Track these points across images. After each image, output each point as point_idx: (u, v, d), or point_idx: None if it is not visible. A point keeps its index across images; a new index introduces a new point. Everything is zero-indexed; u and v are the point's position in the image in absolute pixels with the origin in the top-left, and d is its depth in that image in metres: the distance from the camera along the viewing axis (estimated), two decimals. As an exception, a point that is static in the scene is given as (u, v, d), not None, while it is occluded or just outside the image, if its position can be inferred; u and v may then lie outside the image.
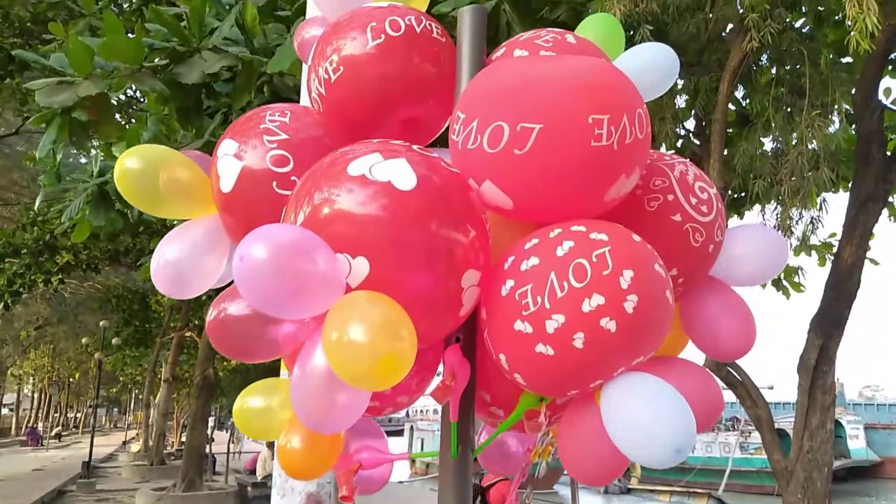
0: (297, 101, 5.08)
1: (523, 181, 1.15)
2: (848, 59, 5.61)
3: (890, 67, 6.38)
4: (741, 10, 4.20)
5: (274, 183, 1.33)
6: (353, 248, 1.07)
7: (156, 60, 4.35)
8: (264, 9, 4.61)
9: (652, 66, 1.60)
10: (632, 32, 4.27)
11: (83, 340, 24.31)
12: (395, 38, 1.46)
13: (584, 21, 1.76)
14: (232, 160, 1.35)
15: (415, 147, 1.19)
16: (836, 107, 4.52)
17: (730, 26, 5.09)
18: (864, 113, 5.16)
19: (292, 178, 1.33)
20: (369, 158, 1.11)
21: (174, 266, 1.43)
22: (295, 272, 0.99)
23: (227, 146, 1.38)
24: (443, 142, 1.89)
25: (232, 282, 1.44)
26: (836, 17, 5.30)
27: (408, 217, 1.07)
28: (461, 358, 1.25)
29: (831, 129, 4.81)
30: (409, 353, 1.00)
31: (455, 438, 1.27)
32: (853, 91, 5.17)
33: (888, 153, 5.46)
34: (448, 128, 1.74)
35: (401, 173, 1.09)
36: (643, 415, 1.09)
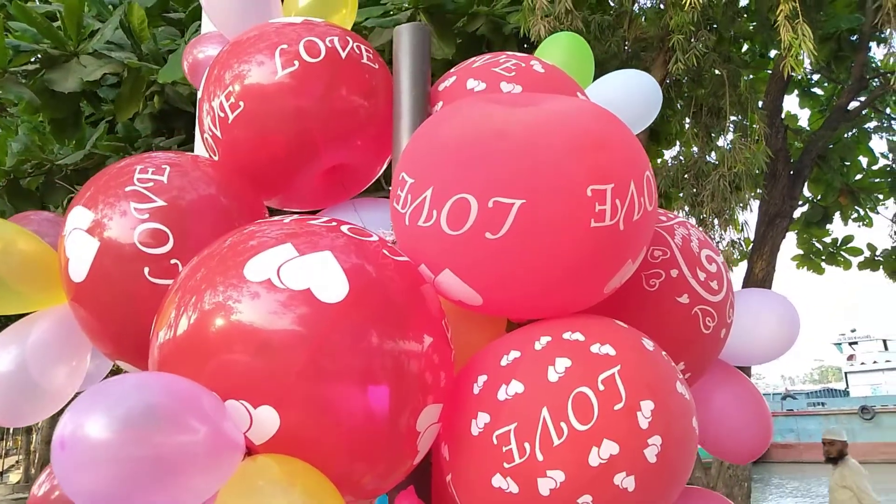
0: (194, 113, 4.57)
1: (498, 273, 0.83)
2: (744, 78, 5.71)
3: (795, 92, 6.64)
4: (666, 31, 4.11)
5: (146, 269, 0.95)
6: (255, 393, 0.71)
7: (24, 65, 3.73)
8: (153, 10, 4.07)
9: (633, 97, 1.33)
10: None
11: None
12: (314, 66, 1.11)
13: (547, 41, 1.46)
14: (85, 238, 0.97)
15: (343, 227, 0.84)
16: (754, 127, 4.58)
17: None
18: (770, 132, 5.25)
19: (172, 261, 0.96)
20: (278, 253, 0.76)
21: (9, 382, 1.02)
22: (161, 453, 0.63)
23: (78, 217, 0.99)
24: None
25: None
26: (731, 35, 5.34)
27: (338, 342, 0.73)
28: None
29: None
30: (344, 562, 0.66)
31: None
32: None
33: (791, 172, 5.65)
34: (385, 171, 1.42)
35: (325, 276, 0.75)
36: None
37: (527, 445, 0.77)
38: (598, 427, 0.76)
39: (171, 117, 4.69)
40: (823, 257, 7.45)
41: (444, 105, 1.17)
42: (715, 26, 4.92)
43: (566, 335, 0.84)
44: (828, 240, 7.45)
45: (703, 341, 1.05)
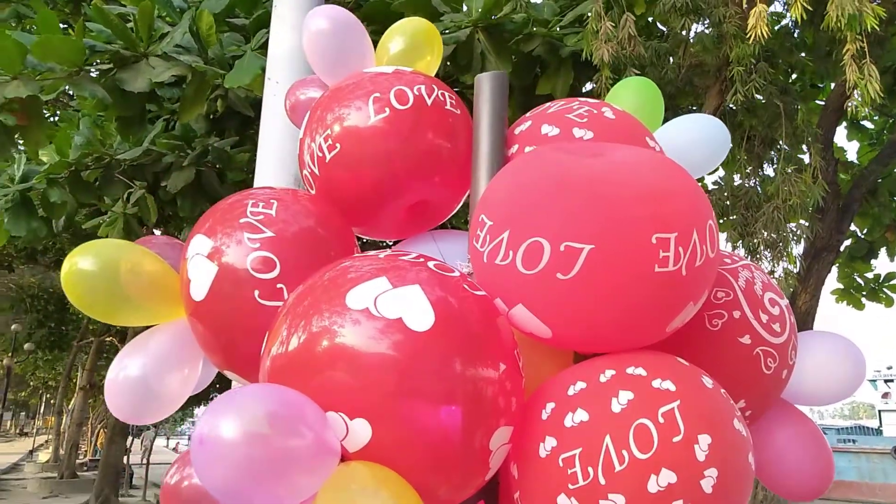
0: (253, 117, 4.71)
1: (567, 311, 0.92)
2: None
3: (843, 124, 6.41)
4: (724, 61, 4.07)
5: (256, 292, 1.09)
6: (352, 406, 0.82)
7: (96, 63, 3.86)
8: (219, 15, 4.24)
9: (701, 141, 1.39)
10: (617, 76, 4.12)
11: (-8, 346, 21.63)
12: (403, 112, 1.24)
13: (618, 85, 1.54)
14: (205, 262, 1.12)
15: (430, 264, 0.95)
16: (800, 157, 4.46)
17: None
18: (824, 164, 5.11)
19: (278, 285, 1.10)
20: (374, 285, 0.88)
21: (138, 386, 1.18)
22: (276, 453, 0.74)
23: (199, 244, 1.14)
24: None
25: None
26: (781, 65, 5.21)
27: (424, 366, 0.83)
28: (485, 520, 1.01)
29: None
30: (425, 560, 0.75)
31: None
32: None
33: (840, 205, 5.47)
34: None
35: (415, 307, 0.85)
36: None
37: (590, 469, 0.84)
38: (658, 456, 0.82)
39: (224, 119, 4.92)
40: (864, 293, 7.19)
41: (520, 147, 1.27)
42: (771, 56, 4.83)
43: (629, 370, 0.91)
44: (870, 275, 7.18)
45: (764, 381, 1.09)
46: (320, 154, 1.27)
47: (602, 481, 0.83)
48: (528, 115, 1.35)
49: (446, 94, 1.32)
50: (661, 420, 0.84)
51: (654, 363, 0.92)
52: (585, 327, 0.93)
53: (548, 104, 1.35)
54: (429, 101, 1.27)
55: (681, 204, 0.91)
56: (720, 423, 0.87)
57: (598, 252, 0.87)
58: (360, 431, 0.82)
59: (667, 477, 0.82)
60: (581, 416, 0.88)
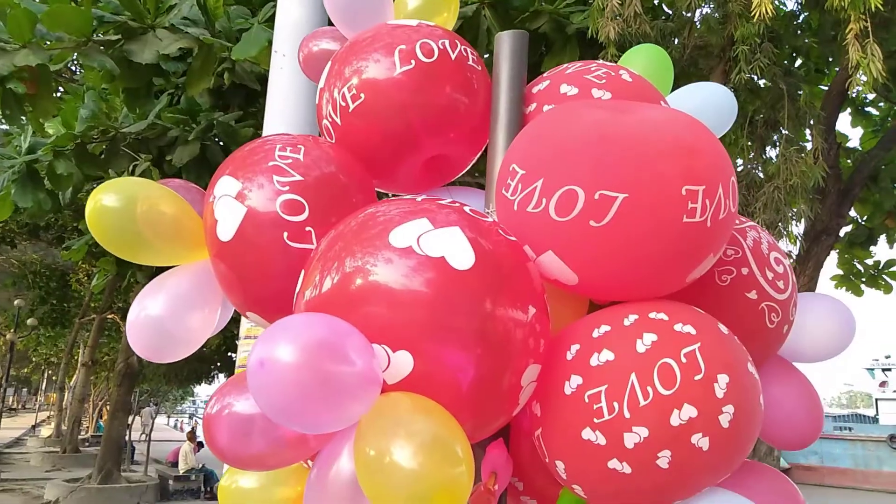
0: (259, 90, 4.69)
1: (596, 257, 0.96)
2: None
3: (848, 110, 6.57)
4: (728, 41, 4.13)
5: (285, 234, 1.11)
6: (395, 339, 0.86)
7: (104, 35, 3.83)
8: None
9: (709, 107, 1.44)
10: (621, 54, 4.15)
11: (-6, 320, 21.26)
12: (428, 65, 1.25)
13: (629, 52, 1.57)
14: (233, 203, 1.12)
15: (466, 208, 0.98)
16: (802, 144, 4.59)
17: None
18: (826, 147, 5.25)
19: (307, 228, 1.11)
20: (417, 225, 0.90)
21: (158, 324, 1.19)
22: (327, 378, 0.77)
23: (226, 185, 1.15)
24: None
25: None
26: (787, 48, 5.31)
27: (465, 304, 0.87)
28: (506, 455, 1.06)
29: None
30: (467, 481, 0.80)
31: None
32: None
33: (841, 189, 5.62)
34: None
35: (456, 248, 0.88)
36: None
37: (615, 404, 0.90)
38: (680, 393, 0.88)
39: (229, 94, 4.88)
40: (864, 279, 7.39)
41: (538, 106, 1.30)
42: (776, 38, 4.91)
43: (651, 315, 0.96)
44: (870, 262, 7.37)
45: (767, 334, 1.16)
46: (343, 104, 1.27)
47: (627, 415, 0.89)
48: (546, 74, 1.37)
49: (468, 49, 1.33)
50: (683, 360, 0.90)
51: (674, 310, 0.97)
52: (612, 274, 0.98)
53: (565, 65, 1.38)
54: (452, 56, 1.28)
55: (708, 160, 0.96)
56: (737, 365, 0.93)
57: (630, 200, 0.92)
58: (403, 363, 0.86)
59: (688, 412, 0.88)
60: (607, 355, 0.93)
